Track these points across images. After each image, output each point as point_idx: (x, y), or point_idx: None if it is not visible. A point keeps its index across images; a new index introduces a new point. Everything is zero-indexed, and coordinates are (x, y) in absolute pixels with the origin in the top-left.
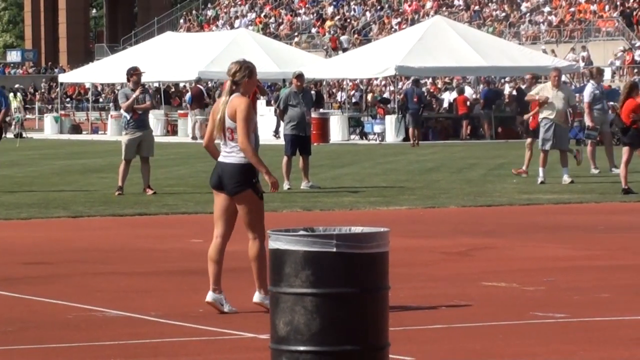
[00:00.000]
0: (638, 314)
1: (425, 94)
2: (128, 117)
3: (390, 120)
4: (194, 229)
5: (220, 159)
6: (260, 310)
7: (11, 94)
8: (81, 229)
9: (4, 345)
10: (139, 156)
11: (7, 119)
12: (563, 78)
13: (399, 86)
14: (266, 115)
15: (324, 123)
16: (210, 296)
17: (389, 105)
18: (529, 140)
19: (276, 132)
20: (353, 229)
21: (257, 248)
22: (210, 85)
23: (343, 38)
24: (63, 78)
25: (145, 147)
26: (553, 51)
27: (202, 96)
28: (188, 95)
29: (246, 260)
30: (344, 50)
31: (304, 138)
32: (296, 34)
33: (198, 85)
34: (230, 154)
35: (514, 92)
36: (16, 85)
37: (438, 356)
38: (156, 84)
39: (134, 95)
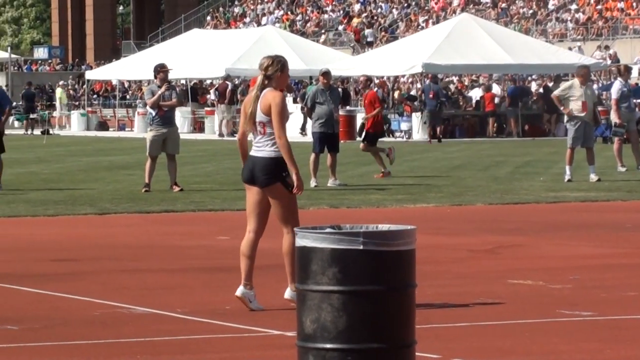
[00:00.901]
0: None
1: (451, 90)
2: (153, 114)
3: (417, 117)
4: (221, 226)
5: (252, 152)
6: (287, 307)
7: (58, 89)
8: (108, 225)
9: (30, 342)
10: (165, 153)
11: (34, 115)
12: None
13: (426, 83)
14: (293, 113)
15: (351, 120)
16: (240, 291)
17: (415, 103)
18: (362, 145)
19: (302, 129)
20: (380, 227)
21: (290, 242)
22: (237, 82)
23: (367, 32)
24: (90, 75)
25: (171, 145)
26: (580, 48)
27: (229, 93)
28: (213, 91)
29: (276, 258)
30: (369, 43)
31: (332, 135)
32: (323, 31)
33: (226, 82)
34: (261, 148)
35: (541, 90)
36: (61, 82)
37: (464, 354)
38: (183, 81)
39: (159, 92)
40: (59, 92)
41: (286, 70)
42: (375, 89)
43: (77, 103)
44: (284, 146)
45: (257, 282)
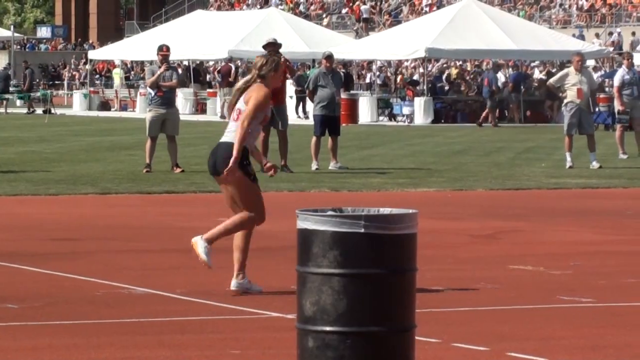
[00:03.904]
0: None
1: (453, 76)
2: (152, 94)
3: (419, 102)
4: (222, 208)
5: (221, 139)
6: (286, 290)
7: (116, 69)
8: (109, 205)
9: (31, 320)
10: (165, 134)
11: (37, 95)
12: (592, 63)
13: (429, 68)
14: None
15: (353, 104)
16: (234, 284)
17: (417, 87)
18: None
19: (304, 111)
20: (381, 210)
21: (241, 217)
22: (239, 64)
23: (363, 8)
24: (93, 55)
25: (170, 126)
26: (582, 34)
27: (231, 75)
28: (217, 73)
29: (276, 240)
30: (365, 20)
31: (333, 118)
32: (324, 15)
33: (229, 64)
34: (228, 134)
35: (543, 76)
36: (117, 62)
37: (464, 338)
38: (185, 62)
39: (158, 72)
40: (118, 72)
41: (280, 70)
42: (378, 73)
43: (79, 83)
44: (242, 130)
45: (257, 263)
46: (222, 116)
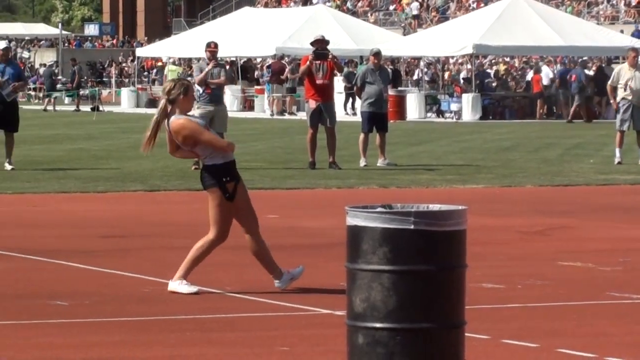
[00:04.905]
0: None
1: (501, 72)
2: (201, 91)
3: (467, 98)
4: (270, 205)
5: None
6: (336, 287)
7: (171, 66)
8: (157, 202)
9: (81, 317)
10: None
11: (86, 92)
12: None
13: (476, 64)
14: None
15: (400, 100)
16: (276, 284)
17: (469, 85)
18: None
19: (344, 107)
20: (431, 207)
21: (203, 242)
22: (287, 60)
23: (413, 5)
24: (140, 52)
25: (218, 123)
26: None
27: (282, 72)
28: (266, 69)
29: (324, 237)
30: (414, 17)
31: (381, 115)
32: (369, 13)
33: (281, 61)
34: (204, 161)
35: (591, 72)
36: (170, 59)
37: (513, 335)
38: (233, 59)
39: (206, 69)
40: (174, 69)
41: (190, 93)
42: (426, 70)
43: (127, 80)
44: (226, 149)
45: (305, 261)
46: (271, 113)
